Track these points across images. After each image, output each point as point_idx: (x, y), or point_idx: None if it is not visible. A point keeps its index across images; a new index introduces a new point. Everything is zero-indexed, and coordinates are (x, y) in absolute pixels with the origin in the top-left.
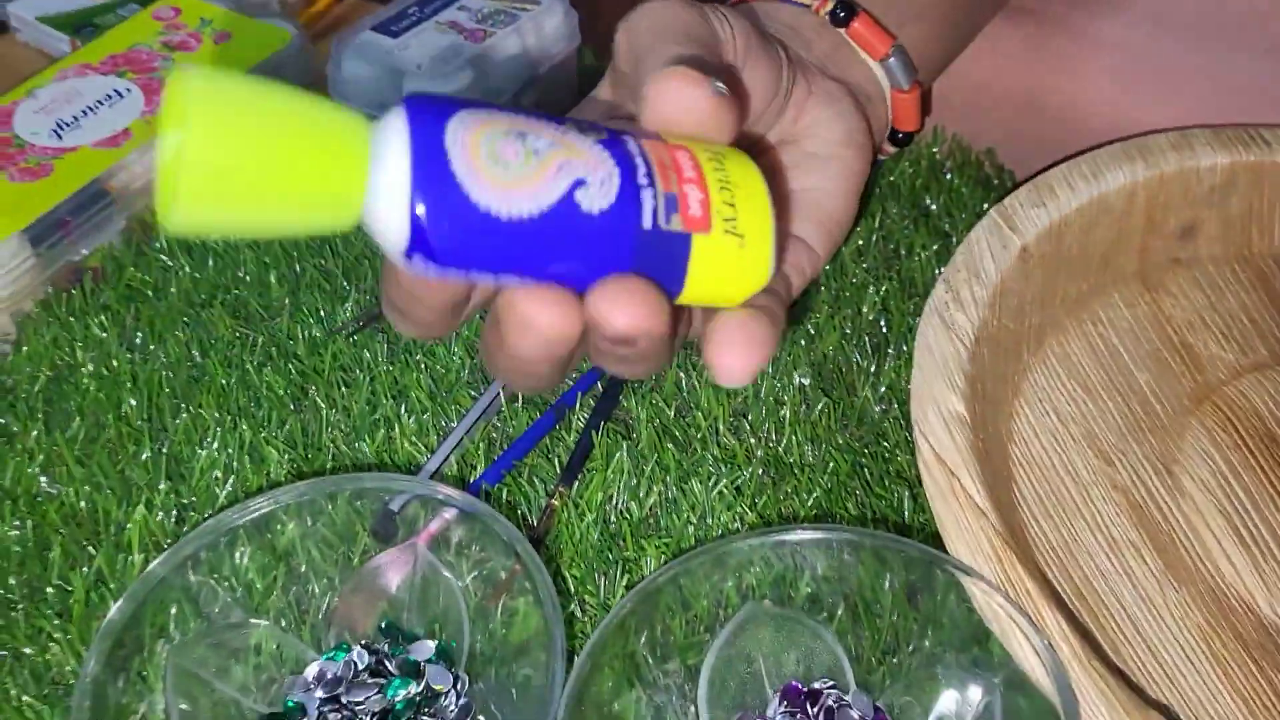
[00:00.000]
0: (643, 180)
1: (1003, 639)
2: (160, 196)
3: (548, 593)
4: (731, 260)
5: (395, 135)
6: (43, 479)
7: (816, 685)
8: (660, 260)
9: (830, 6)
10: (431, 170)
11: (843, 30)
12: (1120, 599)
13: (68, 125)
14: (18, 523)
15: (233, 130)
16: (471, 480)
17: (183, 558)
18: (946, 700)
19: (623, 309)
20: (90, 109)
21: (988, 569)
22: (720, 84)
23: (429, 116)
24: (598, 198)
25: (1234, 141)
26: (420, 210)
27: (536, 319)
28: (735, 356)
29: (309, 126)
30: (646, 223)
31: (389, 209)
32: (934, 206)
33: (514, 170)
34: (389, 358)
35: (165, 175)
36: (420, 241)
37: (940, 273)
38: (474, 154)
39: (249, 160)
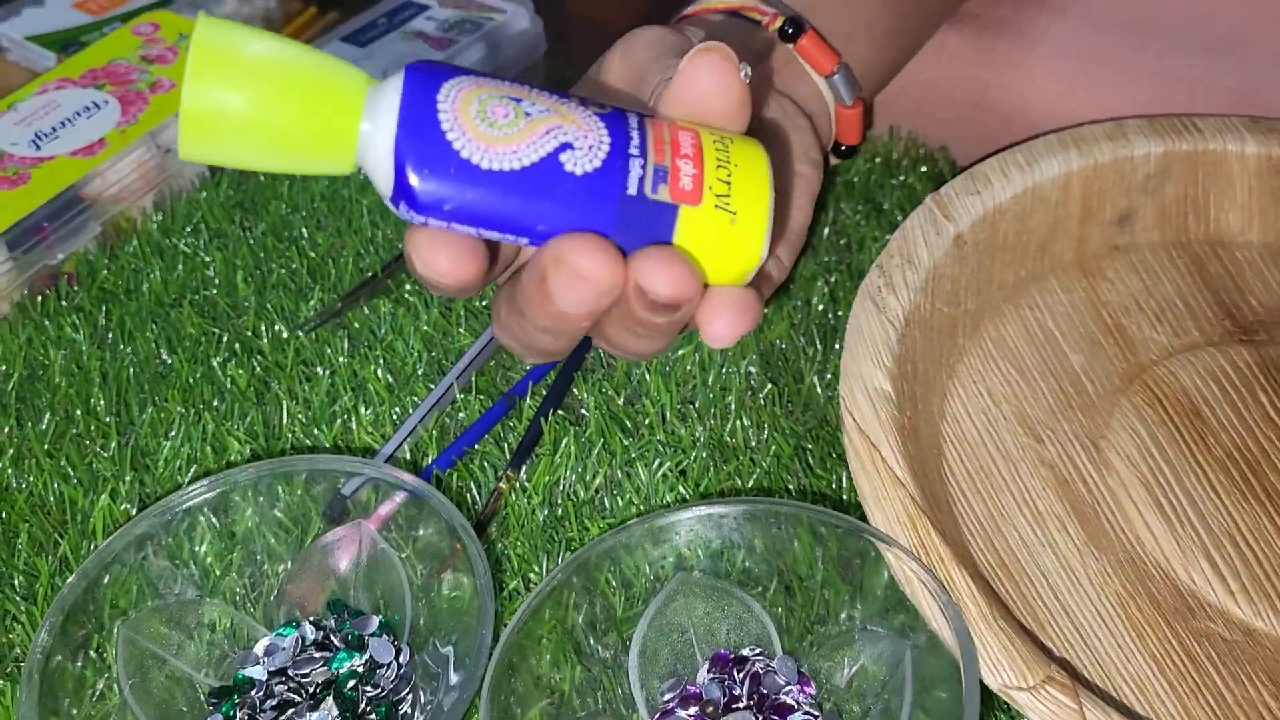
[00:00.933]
0: (633, 150)
1: (914, 600)
2: (179, 131)
3: (482, 567)
4: (721, 236)
5: (390, 89)
6: (12, 471)
7: (744, 652)
8: (644, 227)
9: (779, 23)
10: (417, 121)
11: (790, 46)
12: (1042, 568)
13: (46, 136)
14: None
15: (236, 74)
16: (424, 466)
17: (136, 535)
18: (864, 660)
19: (668, 276)
20: (68, 120)
21: (903, 536)
22: (748, 69)
23: (425, 76)
24: (583, 161)
25: (1167, 130)
26: (403, 157)
27: (592, 270)
28: (724, 322)
29: (311, 76)
30: (631, 189)
31: (377, 156)
32: (887, 203)
33: (500, 128)
34: (349, 352)
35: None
36: (403, 188)
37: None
38: (463, 111)
39: (248, 103)
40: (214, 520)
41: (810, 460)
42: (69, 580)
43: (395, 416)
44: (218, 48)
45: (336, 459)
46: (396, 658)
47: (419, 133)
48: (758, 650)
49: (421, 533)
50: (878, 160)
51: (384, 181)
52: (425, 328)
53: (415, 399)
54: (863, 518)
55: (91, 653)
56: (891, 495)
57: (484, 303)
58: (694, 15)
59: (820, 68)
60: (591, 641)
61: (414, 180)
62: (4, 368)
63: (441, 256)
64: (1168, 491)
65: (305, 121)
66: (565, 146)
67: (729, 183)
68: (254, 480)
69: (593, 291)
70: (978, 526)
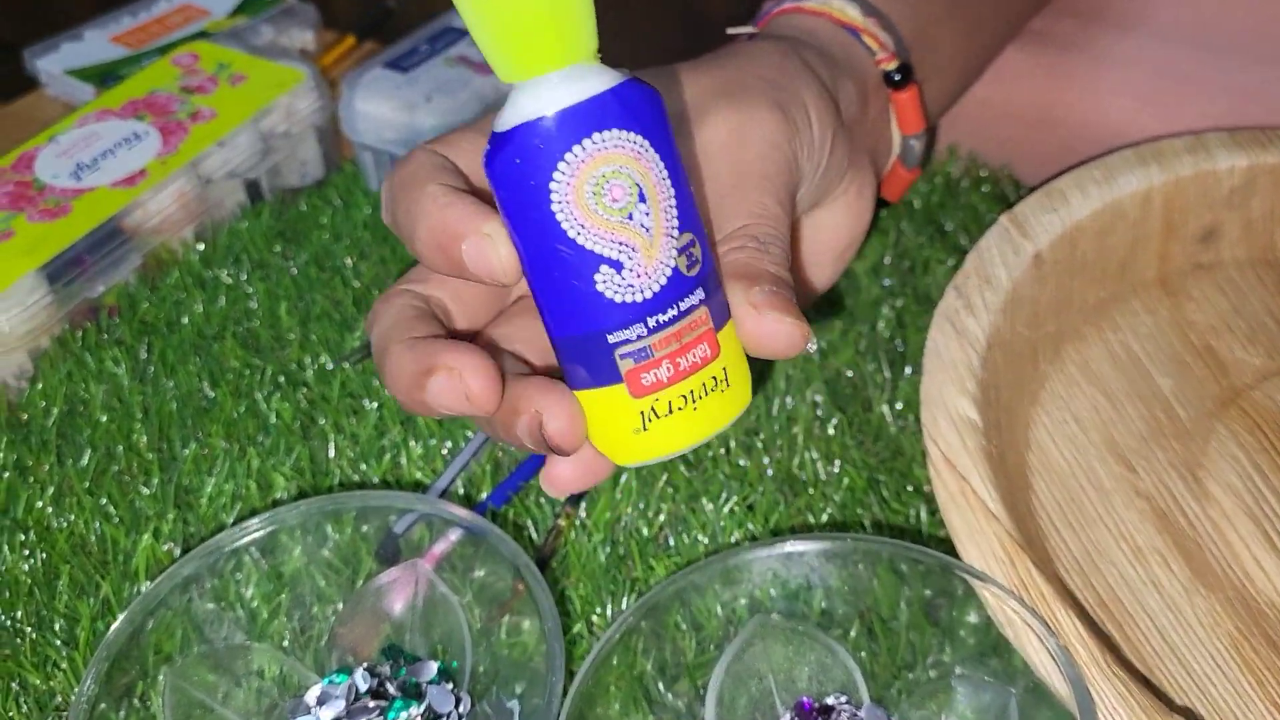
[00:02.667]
0: (651, 323)
1: (1017, 644)
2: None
3: (549, 609)
4: (621, 431)
5: (595, 80)
6: (52, 510)
7: (829, 700)
8: (587, 361)
9: (892, 66)
10: (558, 135)
11: (889, 91)
12: (1146, 608)
13: (87, 167)
14: (28, 553)
15: None
16: (478, 502)
17: (183, 577)
18: (964, 710)
19: (561, 425)
20: (109, 151)
21: (1001, 573)
22: (817, 344)
23: (639, 101)
24: (610, 287)
25: (1251, 143)
26: (521, 135)
27: (474, 390)
28: (570, 475)
29: None
30: (612, 339)
31: (531, 103)
32: (950, 225)
33: (597, 210)
34: None
35: None
36: (503, 147)
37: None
38: (589, 169)
39: None
40: (261, 561)
41: (885, 493)
42: (114, 625)
43: (446, 451)
44: None
45: (387, 495)
46: (456, 707)
47: (546, 145)
48: (844, 698)
49: (479, 573)
50: (938, 181)
51: (501, 123)
52: None
53: (467, 433)
54: (946, 554)
55: (136, 701)
56: (986, 530)
57: None
58: (805, 11)
59: (907, 126)
60: (662, 688)
61: (510, 157)
62: (44, 403)
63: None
64: (1276, 523)
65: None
66: (616, 265)
67: (670, 413)
68: (302, 519)
69: (462, 406)
70: (1074, 564)
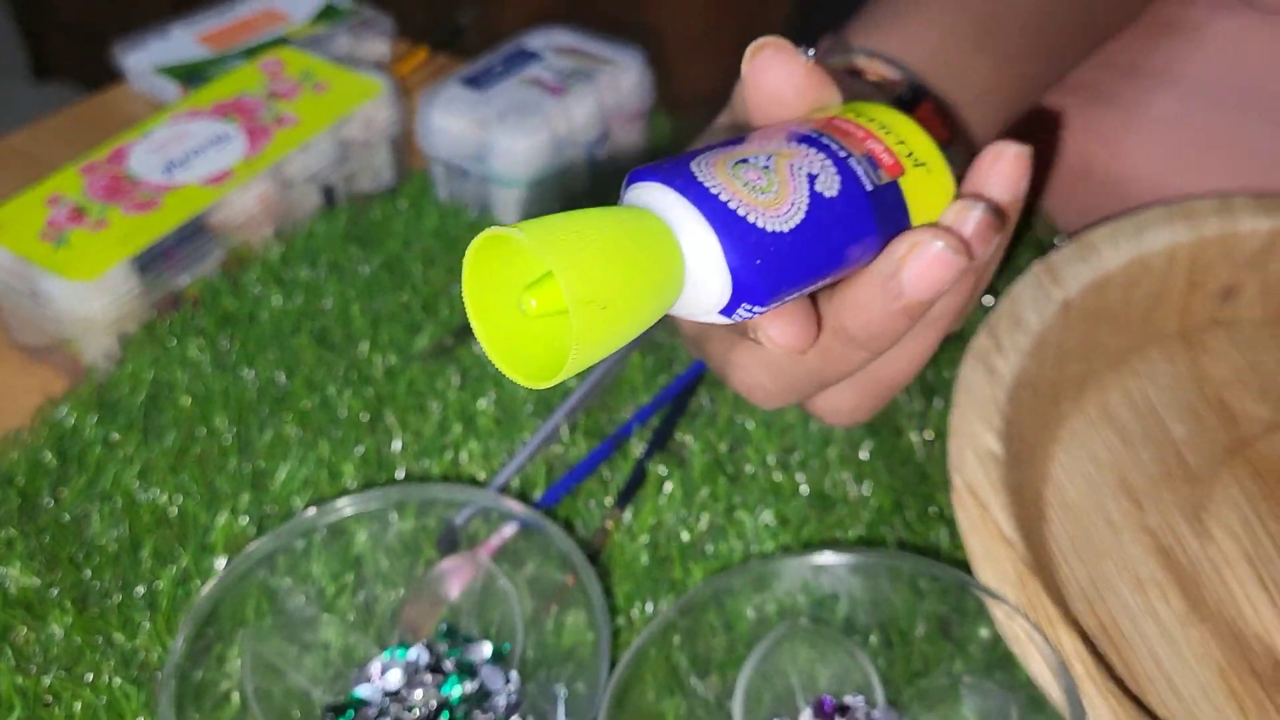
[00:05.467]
0: (843, 153)
1: (1021, 659)
2: (515, 364)
3: (599, 602)
4: (929, 186)
5: (677, 206)
6: (138, 484)
7: (847, 700)
8: (890, 213)
9: (902, 90)
10: (725, 221)
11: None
12: (1143, 634)
13: (177, 164)
14: (115, 522)
15: (589, 257)
16: (532, 501)
17: (263, 554)
18: (968, 716)
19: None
20: (198, 150)
21: (1011, 594)
22: (808, 49)
23: (683, 180)
24: (829, 183)
25: (1275, 208)
26: (736, 260)
27: (953, 243)
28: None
29: (622, 228)
30: (868, 185)
31: (706, 273)
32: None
33: (768, 190)
34: (460, 386)
35: (512, 341)
36: (743, 287)
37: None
38: (737, 189)
39: (612, 279)
40: (332, 543)
41: (909, 515)
42: (202, 592)
43: (504, 452)
44: (551, 239)
45: (451, 487)
46: (506, 685)
47: (733, 230)
48: (860, 700)
49: (532, 565)
50: None
51: (715, 294)
52: None
53: (524, 435)
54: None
55: (215, 662)
56: (1000, 554)
57: None
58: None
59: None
60: (694, 681)
61: (751, 275)
62: (131, 385)
63: (788, 334)
64: (1270, 565)
65: (653, 271)
66: (812, 177)
67: (904, 142)
68: (372, 506)
69: (951, 269)
70: (1080, 590)
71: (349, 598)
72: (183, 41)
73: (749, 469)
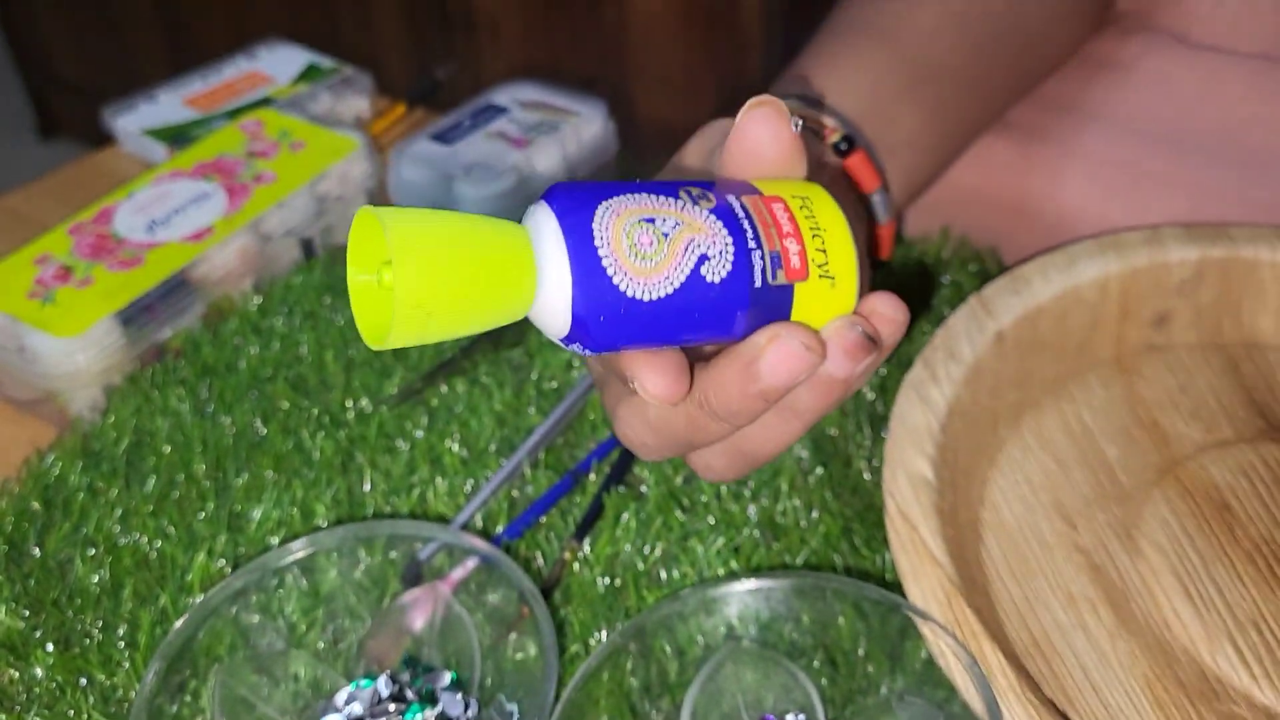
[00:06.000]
0: (752, 244)
1: (947, 672)
2: (363, 321)
3: (548, 630)
4: (825, 300)
5: (552, 241)
6: (120, 529)
7: (789, 719)
8: (768, 311)
9: (837, 137)
10: (586, 272)
11: (840, 160)
12: (1074, 648)
13: (160, 223)
14: (97, 565)
15: (433, 261)
16: (494, 535)
17: (233, 590)
18: None
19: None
20: (180, 209)
21: (939, 612)
22: (798, 119)
23: (576, 218)
24: (718, 268)
25: (1202, 238)
26: (580, 309)
27: (812, 343)
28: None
29: (484, 245)
30: (758, 282)
31: (553, 308)
32: (936, 300)
33: (651, 259)
34: (427, 427)
35: (367, 302)
36: (581, 333)
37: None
38: (618, 248)
39: (448, 286)
40: (301, 579)
41: (856, 541)
42: (173, 629)
43: (468, 488)
44: (407, 236)
45: (415, 524)
46: (465, 711)
47: (590, 283)
48: (802, 717)
49: (491, 597)
50: (928, 260)
51: (557, 327)
52: (498, 407)
53: (488, 472)
54: (900, 596)
55: (188, 696)
56: (929, 574)
57: (552, 384)
58: None
59: (864, 185)
60: (646, 705)
61: (591, 327)
62: (115, 434)
63: (660, 385)
64: (1196, 580)
65: (495, 290)
66: (703, 259)
67: (824, 250)
68: (339, 543)
69: (804, 364)
70: (1013, 607)
71: (318, 631)
72: (170, 104)
73: (703, 499)
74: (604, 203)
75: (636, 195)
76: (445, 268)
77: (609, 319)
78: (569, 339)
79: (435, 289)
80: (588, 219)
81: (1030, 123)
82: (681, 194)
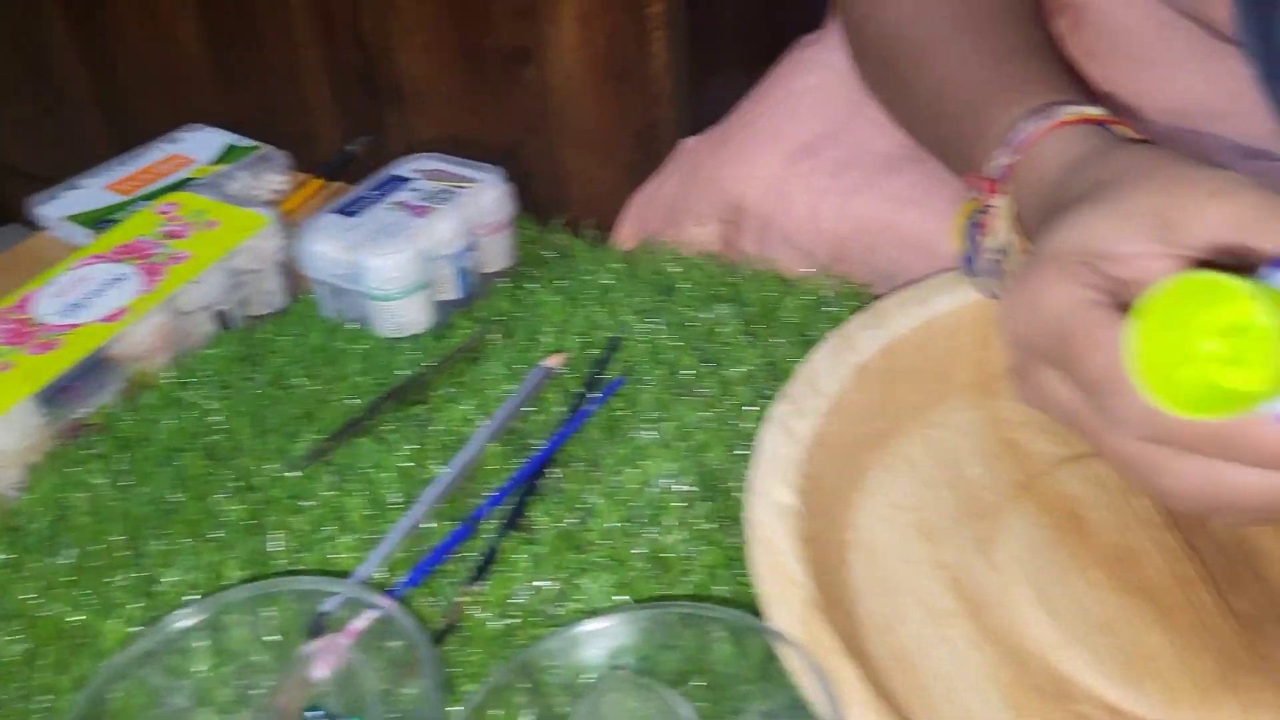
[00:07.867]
0: None
1: (803, 688)
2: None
3: (431, 671)
4: None
5: None
6: (40, 601)
7: None
8: None
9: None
10: None
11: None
12: (935, 660)
13: (78, 305)
14: (19, 638)
15: None
16: (395, 584)
17: (139, 653)
18: None
19: None
20: (98, 291)
21: (798, 632)
22: None
23: None
24: None
25: None
26: None
27: None
28: None
29: None
30: None
31: None
32: (817, 336)
33: None
34: (334, 486)
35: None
36: None
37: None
38: None
39: None
40: (208, 638)
41: (739, 569)
42: (80, 694)
43: (373, 541)
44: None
45: (317, 580)
46: None
47: None
48: None
49: (390, 644)
50: (808, 298)
51: None
52: (401, 462)
53: (391, 525)
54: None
55: None
56: (789, 596)
57: (452, 437)
58: (1072, 124)
59: None
60: None
61: None
62: (37, 510)
63: None
64: (1049, 587)
65: None
66: None
67: None
68: (244, 601)
69: None
70: (877, 624)
71: (227, 687)
72: (92, 191)
73: (593, 538)
74: None
75: None
76: None
77: None
78: None
79: None
80: None
81: (926, 158)
82: None
